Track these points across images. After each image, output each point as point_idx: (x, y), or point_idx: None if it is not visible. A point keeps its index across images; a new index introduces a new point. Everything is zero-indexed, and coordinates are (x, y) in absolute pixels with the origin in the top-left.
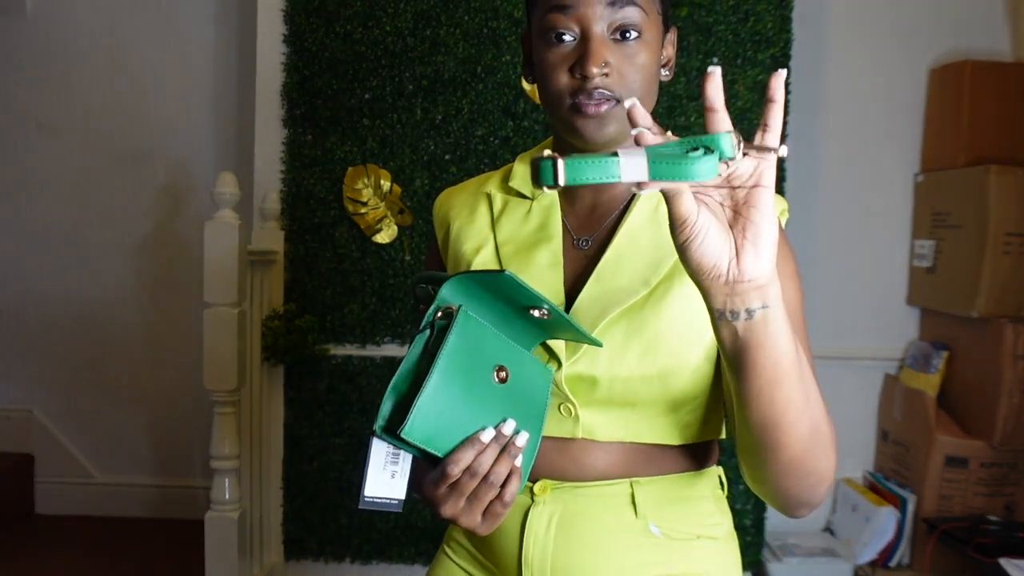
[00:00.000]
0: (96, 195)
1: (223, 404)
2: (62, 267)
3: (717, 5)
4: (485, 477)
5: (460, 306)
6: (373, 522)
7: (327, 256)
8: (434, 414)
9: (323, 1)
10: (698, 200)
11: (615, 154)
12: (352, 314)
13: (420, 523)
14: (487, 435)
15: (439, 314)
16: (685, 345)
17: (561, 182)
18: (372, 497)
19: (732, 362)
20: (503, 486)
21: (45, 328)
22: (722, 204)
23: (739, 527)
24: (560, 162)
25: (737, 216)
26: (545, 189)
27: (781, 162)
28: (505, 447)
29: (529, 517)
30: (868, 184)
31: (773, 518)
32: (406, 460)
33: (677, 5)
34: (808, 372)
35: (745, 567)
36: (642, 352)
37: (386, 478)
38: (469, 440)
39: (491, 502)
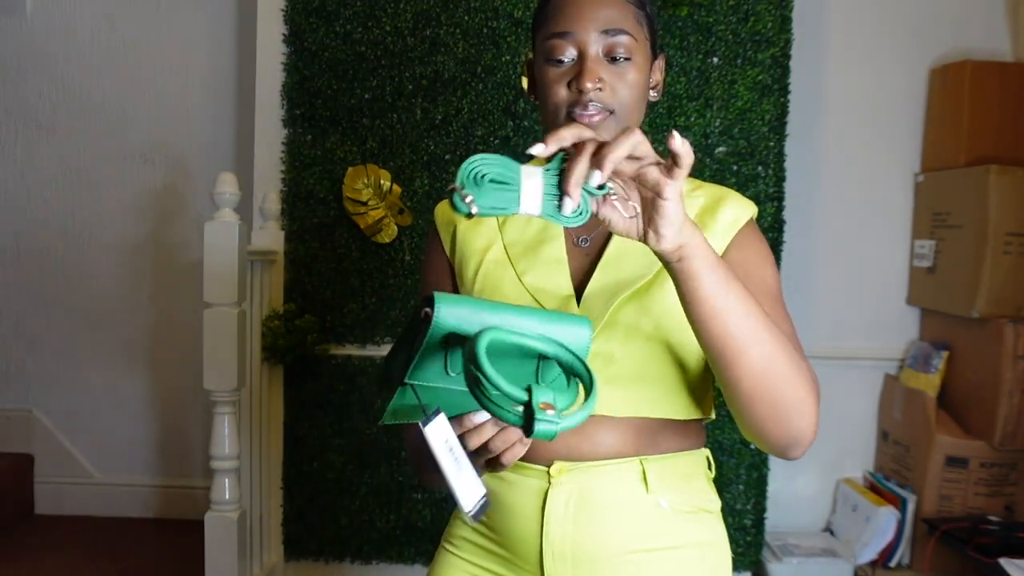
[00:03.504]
0: (96, 195)
1: (223, 404)
2: (62, 266)
3: (717, 5)
4: (484, 445)
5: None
6: (373, 522)
7: (327, 256)
8: (458, 309)
9: (323, 1)
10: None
11: (517, 173)
12: (352, 314)
13: (420, 523)
14: (479, 418)
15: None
16: (687, 324)
17: (475, 212)
18: (473, 509)
19: (680, 296)
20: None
21: (45, 328)
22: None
23: (739, 527)
24: (468, 196)
25: (645, 209)
26: (464, 219)
27: (781, 160)
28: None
29: (548, 499)
30: (868, 184)
31: (773, 518)
32: (462, 452)
33: (677, 5)
34: (760, 314)
35: (745, 567)
36: (652, 328)
37: (469, 480)
38: (458, 419)
39: (490, 460)
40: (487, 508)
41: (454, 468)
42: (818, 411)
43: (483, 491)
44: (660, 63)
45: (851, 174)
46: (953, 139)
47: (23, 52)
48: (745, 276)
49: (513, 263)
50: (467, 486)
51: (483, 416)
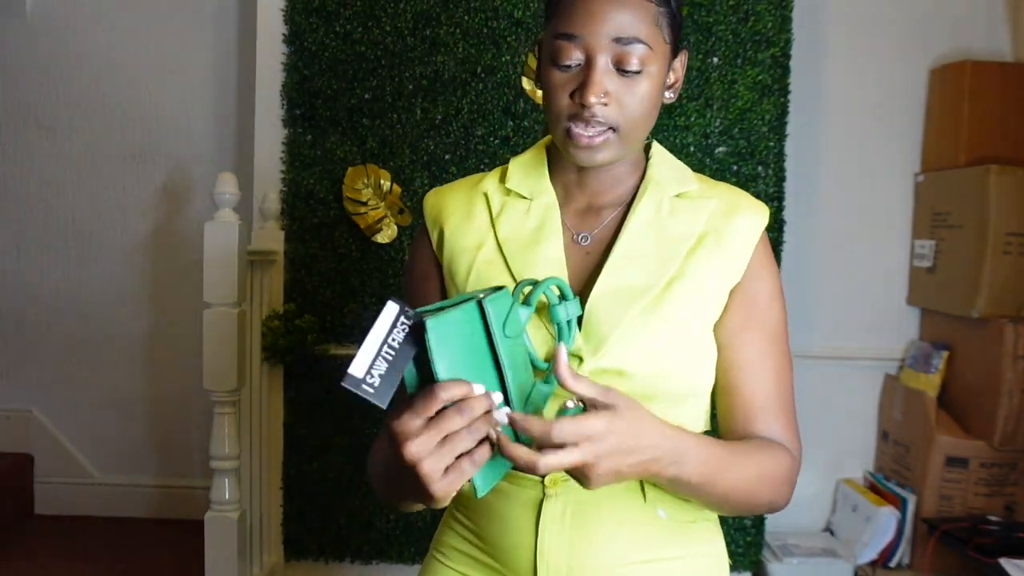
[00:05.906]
0: (96, 195)
1: (223, 404)
2: (62, 267)
3: (717, 5)
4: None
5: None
6: (373, 522)
7: (327, 256)
8: (453, 335)
9: (323, 1)
10: None
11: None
12: (352, 314)
13: (420, 523)
14: (480, 388)
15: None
16: (698, 339)
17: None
18: (357, 376)
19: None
20: (478, 444)
21: (45, 328)
22: None
23: (739, 527)
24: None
25: None
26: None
27: (781, 160)
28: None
29: (543, 510)
30: (868, 184)
31: (773, 518)
32: (402, 359)
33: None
34: (740, 468)
35: (745, 567)
36: (664, 344)
37: (378, 363)
38: (464, 382)
39: (460, 456)
40: (364, 397)
41: (379, 342)
42: (791, 491)
43: (377, 386)
44: (682, 58)
45: (851, 174)
46: (953, 139)
47: (23, 52)
48: (753, 308)
49: (508, 263)
50: (369, 360)
51: (481, 389)
